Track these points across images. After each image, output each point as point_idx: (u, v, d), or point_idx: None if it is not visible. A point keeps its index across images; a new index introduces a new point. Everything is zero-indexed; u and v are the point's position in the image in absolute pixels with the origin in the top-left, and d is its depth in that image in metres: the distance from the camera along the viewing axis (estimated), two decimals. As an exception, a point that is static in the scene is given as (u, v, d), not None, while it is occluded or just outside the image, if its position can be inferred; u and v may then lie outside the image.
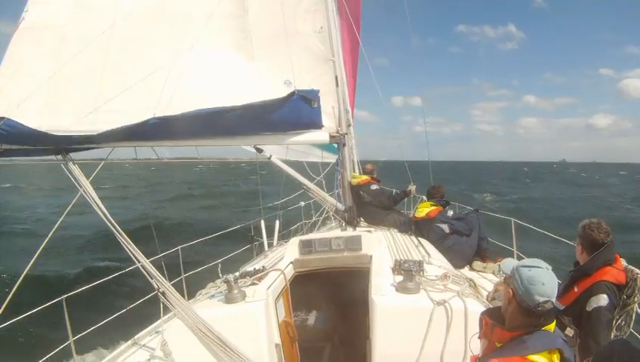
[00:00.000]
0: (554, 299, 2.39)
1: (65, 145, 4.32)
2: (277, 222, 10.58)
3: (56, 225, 4.15)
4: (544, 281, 2.36)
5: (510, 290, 2.50)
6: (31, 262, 4.02)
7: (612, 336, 3.94)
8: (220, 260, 6.55)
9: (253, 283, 4.85)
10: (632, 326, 4.01)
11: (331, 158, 11.47)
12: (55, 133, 4.29)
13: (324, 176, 10.22)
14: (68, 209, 4.20)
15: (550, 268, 2.47)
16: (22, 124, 4.13)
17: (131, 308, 5.52)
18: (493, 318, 2.65)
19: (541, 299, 2.34)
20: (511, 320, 2.52)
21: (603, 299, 3.86)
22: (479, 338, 2.82)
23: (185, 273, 6.86)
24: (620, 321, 3.99)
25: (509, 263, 2.63)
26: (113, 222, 4.13)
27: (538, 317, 2.38)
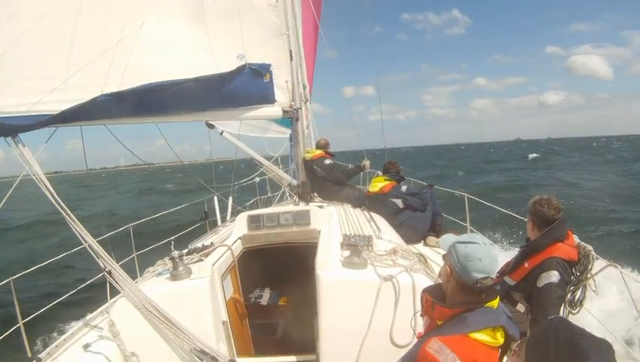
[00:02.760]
0: (493, 275, 2.36)
1: (14, 127, 4.16)
2: (230, 198, 10.50)
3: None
4: (481, 257, 2.32)
5: (448, 267, 2.47)
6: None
7: (565, 313, 4.01)
8: (172, 237, 6.47)
9: (199, 260, 4.77)
10: (584, 303, 4.06)
11: (287, 133, 11.43)
12: (2, 115, 4.14)
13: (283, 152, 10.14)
14: (11, 190, 4.07)
15: (489, 243, 2.44)
16: None
17: (80, 289, 5.43)
18: (434, 295, 2.61)
19: (479, 276, 2.30)
20: (451, 298, 2.50)
21: (554, 276, 3.86)
22: (421, 315, 2.81)
23: (137, 251, 6.77)
24: (571, 298, 4.06)
25: (446, 239, 2.58)
26: (61, 202, 4.03)
27: (478, 294, 2.36)
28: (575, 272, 4.03)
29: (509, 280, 4.21)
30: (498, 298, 2.43)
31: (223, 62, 5.35)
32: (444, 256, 2.58)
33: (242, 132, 8.24)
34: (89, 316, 4.44)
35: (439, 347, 2.26)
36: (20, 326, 4.48)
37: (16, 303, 4.34)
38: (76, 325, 4.25)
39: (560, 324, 1.63)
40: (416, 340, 2.63)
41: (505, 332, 2.30)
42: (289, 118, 7.14)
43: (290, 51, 6.74)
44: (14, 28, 4.40)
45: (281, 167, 9.52)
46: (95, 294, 5.16)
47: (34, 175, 4.07)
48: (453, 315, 2.40)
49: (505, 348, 2.36)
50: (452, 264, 2.41)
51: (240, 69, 5.29)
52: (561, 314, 3.95)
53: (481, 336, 2.25)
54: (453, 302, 2.47)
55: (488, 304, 2.36)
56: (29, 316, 4.84)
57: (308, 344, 4.85)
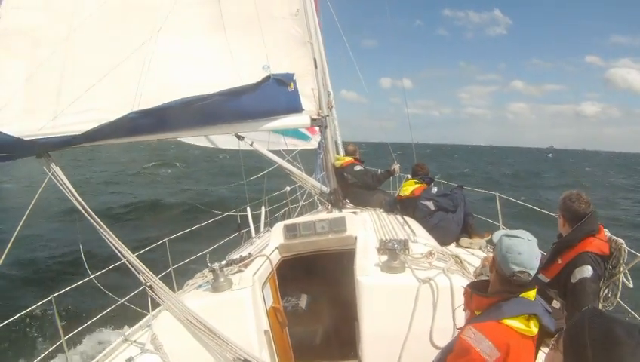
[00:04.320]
0: (532, 271, 2.39)
1: (46, 149, 4.25)
2: (263, 208, 10.54)
3: (24, 218, 4.09)
4: (521, 251, 2.37)
5: (493, 258, 2.56)
6: (3, 256, 3.96)
7: (600, 307, 3.96)
8: (207, 250, 6.53)
9: (239, 271, 4.82)
10: (618, 296, 4.01)
11: (301, 145, 11.47)
12: (36, 138, 4.23)
13: (300, 162, 10.12)
14: (37, 195, 4.13)
15: (534, 240, 2.47)
16: (4, 134, 4.05)
17: (120, 303, 5.49)
18: (473, 288, 2.67)
19: (516, 269, 2.36)
20: (492, 288, 2.56)
21: (587, 270, 3.85)
22: (464, 310, 2.84)
23: (173, 265, 6.84)
24: (606, 292, 4.01)
25: (499, 233, 2.63)
26: (99, 220, 4.08)
27: (516, 286, 2.39)
28: (608, 266, 3.98)
29: (543, 277, 4.18)
30: (535, 290, 2.45)
31: (249, 75, 5.39)
32: (493, 248, 2.61)
33: (263, 149, 8.26)
34: (130, 330, 4.49)
35: (473, 333, 2.31)
36: (62, 343, 4.55)
37: (57, 320, 4.40)
38: (117, 340, 4.31)
39: (594, 314, 1.64)
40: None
41: (539, 323, 2.32)
42: (312, 127, 7.17)
43: (315, 59, 6.77)
44: (40, 52, 4.50)
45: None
46: (132, 307, 5.20)
47: (67, 191, 4.11)
48: (490, 304, 2.45)
49: (540, 341, 2.38)
50: (496, 254, 2.49)
51: (264, 80, 5.33)
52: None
53: (514, 323, 2.29)
54: (492, 291, 2.53)
55: (524, 294, 2.39)
56: (71, 332, 4.91)
57: (347, 349, 4.87)
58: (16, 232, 4.02)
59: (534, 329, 2.29)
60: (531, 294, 2.41)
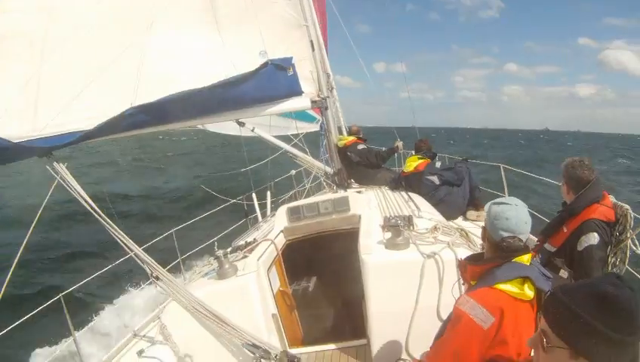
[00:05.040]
0: (522, 236, 2.40)
1: (49, 150, 4.28)
2: (268, 193, 10.58)
3: (37, 217, 4.13)
4: (508, 216, 2.39)
5: (483, 227, 2.59)
6: (17, 258, 4.00)
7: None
8: (215, 238, 6.56)
9: (244, 257, 4.86)
10: (627, 262, 3.98)
11: (309, 128, 11.46)
12: (38, 138, 4.26)
13: (305, 145, 10.12)
14: (47, 198, 4.17)
15: (522, 205, 2.48)
16: (6, 140, 4.07)
17: (130, 296, 5.56)
18: (469, 259, 2.69)
19: (505, 234, 2.38)
20: (485, 256, 2.59)
21: (593, 238, 3.81)
22: (462, 283, 2.85)
23: (182, 255, 6.89)
24: (614, 259, 3.97)
25: (489, 203, 2.64)
26: (103, 215, 4.11)
27: (508, 252, 2.39)
28: (614, 233, 3.93)
29: (550, 247, 4.16)
30: (530, 254, 2.43)
31: (246, 62, 5.38)
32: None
33: (265, 133, 8.26)
34: (140, 323, 4.54)
35: (466, 300, 2.33)
36: (74, 339, 4.60)
37: (68, 318, 4.44)
38: (128, 333, 4.35)
39: (563, 291, 1.58)
40: None
41: (534, 286, 2.30)
42: (317, 108, 7.16)
43: (312, 41, 6.75)
44: (37, 54, 4.51)
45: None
46: (142, 301, 5.25)
47: (71, 189, 4.15)
48: (483, 273, 2.45)
49: (540, 305, 2.32)
50: (486, 223, 2.52)
51: (262, 66, 5.32)
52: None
53: (508, 287, 2.28)
54: (485, 259, 2.55)
55: (518, 259, 2.38)
56: (82, 328, 4.96)
57: (358, 329, 4.90)
58: (25, 241, 4.06)
59: (529, 292, 2.27)
60: (525, 258, 2.39)
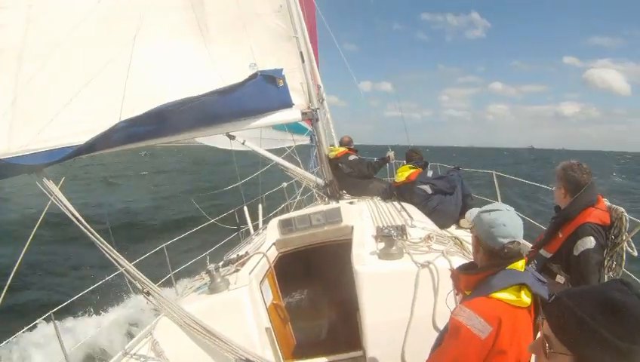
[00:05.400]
0: (520, 239, 2.39)
1: (39, 167, 4.25)
2: (260, 206, 10.53)
3: (31, 236, 4.10)
4: (504, 222, 2.37)
5: (475, 237, 2.53)
6: (10, 277, 3.96)
7: (605, 278, 3.90)
8: (207, 252, 6.51)
9: (236, 270, 4.81)
10: (623, 265, 3.94)
11: (300, 140, 11.45)
12: (27, 155, 4.24)
13: (297, 156, 10.10)
14: (41, 218, 4.15)
15: (512, 209, 2.48)
16: None
17: (122, 313, 5.50)
18: (461, 268, 2.67)
19: (505, 241, 2.35)
20: (480, 265, 2.54)
21: (589, 241, 3.78)
22: (456, 293, 2.83)
23: (174, 270, 6.83)
24: (610, 262, 3.94)
25: (473, 212, 2.61)
26: (93, 231, 4.08)
27: (506, 259, 2.37)
28: (610, 236, 3.90)
29: (545, 253, 4.12)
30: (524, 260, 2.42)
31: (236, 74, 5.36)
32: (471, 229, 2.59)
33: (256, 146, 8.26)
34: (132, 340, 4.47)
35: (463, 311, 2.28)
36: (65, 358, 4.54)
37: (58, 336, 4.39)
38: (120, 350, 4.29)
39: (568, 296, 1.54)
40: None
41: (531, 293, 2.28)
42: (308, 119, 7.15)
43: (301, 53, 6.75)
44: (24, 70, 4.49)
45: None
46: (134, 317, 5.19)
47: (61, 205, 4.12)
48: (477, 282, 2.43)
49: (537, 311, 2.32)
50: (479, 233, 2.46)
51: (251, 78, 5.30)
52: (602, 279, 3.88)
53: (504, 295, 2.26)
54: (479, 268, 2.51)
55: (512, 266, 2.36)
56: (73, 346, 4.89)
57: (353, 340, 4.86)
58: (18, 261, 4.03)
59: (526, 299, 2.25)
60: (519, 265, 2.38)
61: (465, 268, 2.64)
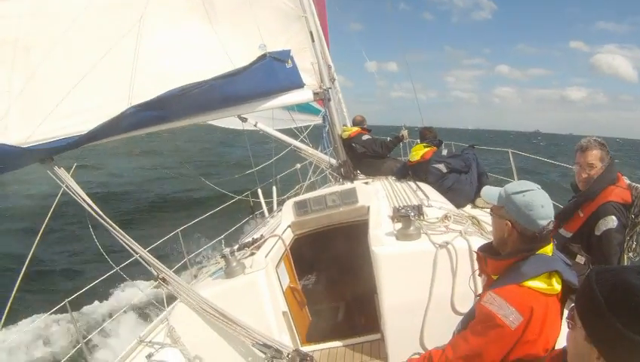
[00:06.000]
0: (553, 218, 2.28)
1: (49, 154, 4.24)
2: (274, 188, 10.50)
3: (44, 226, 4.09)
4: (542, 203, 2.24)
5: (508, 222, 2.34)
6: (26, 264, 3.96)
7: (625, 258, 3.82)
8: (222, 236, 6.49)
9: (251, 254, 4.77)
10: None
11: (313, 120, 11.36)
12: (38, 144, 4.23)
13: (309, 138, 10.03)
14: (52, 208, 4.14)
15: (539, 186, 2.34)
16: (7, 145, 4.02)
17: (138, 300, 5.49)
18: (486, 251, 2.55)
19: (545, 223, 2.23)
20: (511, 249, 2.39)
21: (612, 221, 3.69)
22: (479, 275, 2.74)
23: (188, 255, 6.82)
24: (630, 242, 3.83)
25: (490, 192, 2.48)
26: (107, 218, 4.09)
27: (540, 242, 2.27)
28: (630, 215, 3.79)
29: (565, 233, 4.01)
30: (552, 244, 2.32)
31: (246, 56, 5.30)
32: (494, 210, 2.47)
33: (269, 128, 8.20)
34: (148, 327, 4.46)
35: (493, 299, 2.21)
36: (81, 346, 4.54)
37: (74, 324, 4.40)
38: (136, 337, 4.27)
39: (597, 271, 1.50)
40: None
41: (561, 279, 2.20)
42: (320, 100, 7.08)
43: (311, 32, 6.66)
44: (32, 60, 4.46)
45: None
46: (151, 304, 5.18)
47: (73, 193, 4.12)
48: (507, 267, 2.33)
49: (565, 297, 2.26)
50: (514, 217, 2.30)
51: (260, 59, 5.23)
52: (624, 261, 3.79)
53: (536, 284, 2.17)
54: (510, 252, 2.37)
55: (541, 251, 2.27)
56: (89, 334, 4.90)
57: (371, 323, 4.82)
58: (32, 250, 4.02)
59: (557, 286, 2.18)
60: (549, 249, 2.29)
61: (490, 251, 2.53)
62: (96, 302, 8.63)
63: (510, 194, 2.32)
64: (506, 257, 2.37)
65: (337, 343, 4.74)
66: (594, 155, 3.88)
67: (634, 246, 3.83)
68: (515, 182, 2.43)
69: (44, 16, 4.64)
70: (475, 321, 2.32)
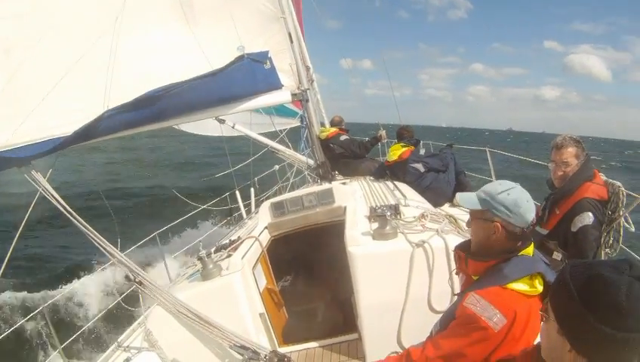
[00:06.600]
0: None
1: (27, 158, 4.20)
2: (252, 189, 10.46)
3: (19, 232, 4.06)
4: (527, 198, 2.26)
5: (497, 224, 2.29)
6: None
7: (602, 254, 3.86)
8: (199, 239, 6.46)
9: (228, 256, 4.75)
10: (621, 241, 3.88)
11: (291, 123, 11.36)
12: (15, 148, 4.19)
13: (288, 140, 10.00)
14: (28, 213, 4.10)
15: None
16: None
17: (115, 305, 5.43)
18: (465, 250, 2.52)
19: (532, 216, 2.25)
20: (495, 249, 2.35)
21: (588, 217, 3.72)
22: (456, 273, 2.73)
23: (165, 258, 6.77)
24: (607, 238, 3.88)
25: (468, 197, 2.45)
26: (83, 222, 4.06)
27: (526, 238, 2.29)
28: (607, 211, 3.83)
29: (541, 230, 4.04)
30: (532, 244, 2.34)
31: (224, 58, 5.29)
32: (475, 215, 2.43)
33: (247, 130, 8.19)
34: (126, 331, 4.43)
35: (477, 300, 2.21)
36: (59, 352, 4.49)
37: (52, 330, 4.36)
38: (113, 341, 4.24)
39: (572, 264, 1.52)
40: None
41: (543, 280, 2.22)
42: (298, 101, 7.08)
43: (290, 34, 6.66)
44: (11, 62, 4.41)
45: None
46: (128, 308, 5.14)
47: (50, 197, 4.09)
48: (488, 268, 2.33)
49: (545, 296, 2.21)
50: (503, 218, 2.27)
51: (238, 60, 5.23)
52: (599, 256, 3.83)
53: (520, 286, 2.19)
54: (491, 253, 2.36)
55: (523, 252, 2.29)
56: (66, 340, 4.85)
57: (348, 323, 4.83)
58: (9, 253, 3.98)
59: (539, 287, 2.20)
60: (530, 250, 2.31)
61: (467, 250, 2.51)
62: (73, 307, 8.54)
63: (496, 195, 2.30)
64: (487, 259, 2.35)
65: (315, 344, 4.74)
66: (569, 153, 3.91)
67: (610, 242, 3.87)
68: (494, 182, 2.42)
69: (20, 18, 4.60)
70: (457, 322, 2.32)
